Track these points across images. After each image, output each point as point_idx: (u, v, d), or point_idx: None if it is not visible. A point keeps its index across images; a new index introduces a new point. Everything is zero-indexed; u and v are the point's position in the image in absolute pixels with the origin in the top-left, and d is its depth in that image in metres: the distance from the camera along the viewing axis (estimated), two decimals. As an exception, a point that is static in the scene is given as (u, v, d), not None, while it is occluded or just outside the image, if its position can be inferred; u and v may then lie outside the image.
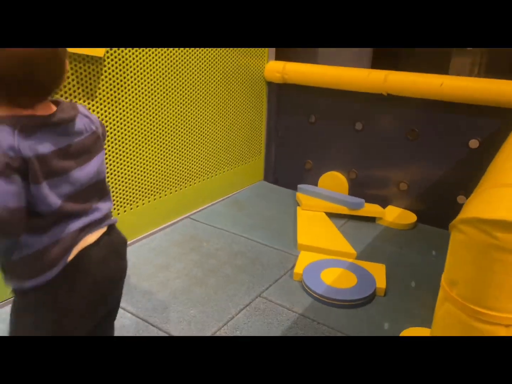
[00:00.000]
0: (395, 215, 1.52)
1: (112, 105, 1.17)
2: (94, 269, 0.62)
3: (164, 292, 1.11)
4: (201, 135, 1.51)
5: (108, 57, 1.12)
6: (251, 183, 1.83)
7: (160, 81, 1.29)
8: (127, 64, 1.18)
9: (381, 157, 1.56)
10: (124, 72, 1.17)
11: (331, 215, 1.53)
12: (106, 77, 1.13)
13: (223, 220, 1.50)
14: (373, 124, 1.55)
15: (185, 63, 1.36)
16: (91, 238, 0.62)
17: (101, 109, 1.15)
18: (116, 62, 1.15)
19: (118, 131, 1.21)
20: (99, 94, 1.13)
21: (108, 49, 1.11)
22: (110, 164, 1.21)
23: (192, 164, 1.50)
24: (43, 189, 0.55)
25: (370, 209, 1.53)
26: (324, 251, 1.29)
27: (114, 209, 1.26)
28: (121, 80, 1.17)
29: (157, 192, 1.39)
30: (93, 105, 1.12)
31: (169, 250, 1.30)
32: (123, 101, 1.20)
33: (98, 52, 1.06)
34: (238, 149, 1.71)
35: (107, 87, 1.14)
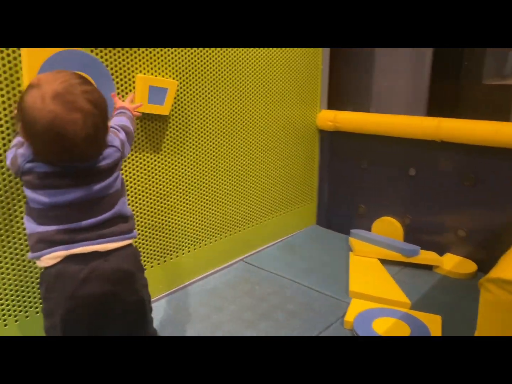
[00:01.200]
0: (453, 264, 1.47)
1: (176, 156, 1.28)
2: (68, 284, 0.72)
3: (217, 334, 1.15)
4: (255, 181, 1.58)
5: (172, 115, 1.25)
6: (304, 227, 1.86)
7: (217, 133, 1.40)
8: (189, 121, 1.29)
9: (437, 203, 1.54)
10: (186, 128, 1.29)
11: (385, 262, 1.51)
12: (170, 132, 1.25)
13: (276, 264, 1.54)
14: (427, 170, 1.55)
15: (241, 115, 1.46)
16: (74, 250, 0.73)
17: (165, 161, 1.26)
18: (179, 119, 1.27)
19: (180, 180, 1.31)
20: (164, 147, 1.25)
21: (173, 108, 1.23)
22: (173, 210, 1.31)
23: (247, 208, 1.58)
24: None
25: (426, 256, 1.50)
26: (377, 299, 1.27)
27: (175, 251, 1.34)
28: (183, 135, 1.29)
29: (213, 236, 1.47)
30: (158, 157, 1.24)
31: (223, 293, 1.36)
32: (185, 152, 1.31)
33: (165, 111, 1.18)
34: (291, 193, 1.76)
35: (171, 141, 1.26)
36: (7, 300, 0.98)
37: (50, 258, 0.72)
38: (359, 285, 1.35)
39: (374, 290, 1.32)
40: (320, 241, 1.76)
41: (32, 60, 0.88)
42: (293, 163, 1.74)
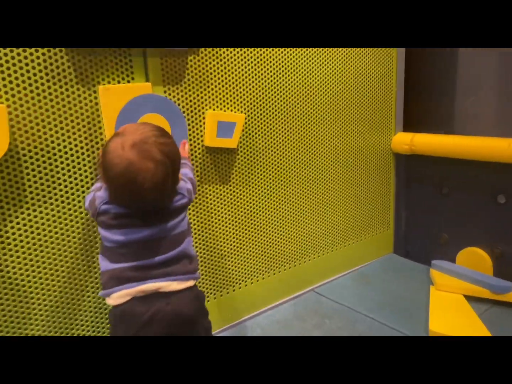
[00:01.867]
0: (554, 304, 1.29)
1: (243, 187, 1.30)
2: (131, 325, 0.76)
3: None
4: (328, 208, 1.55)
5: (240, 147, 1.27)
6: (380, 256, 1.77)
7: (287, 161, 1.40)
8: (257, 152, 1.31)
9: (533, 233, 1.37)
10: (254, 158, 1.31)
11: (470, 299, 1.37)
12: (239, 163, 1.28)
13: (348, 296, 1.47)
14: (520, 196, 1.39)
15: (311, 141, 1.45)
16: (142, 287, 0.76)
17: (234, 191, 1.28)
18: (247, 151, 1.29)
19: (249, 209, 1.33)
20: (233, 179, 1.27)
21: (240, 140, 1.26)
22: (245, 239, 1.33)
23: (319, 236, 1.54)
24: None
25: (520, 294, 1.33)
26: (460, 341, 1.15)
27: (243, 281, 1.35)
28: (252, 166, 1.31)
29: (283, 264, 1.46)
30: (227, 188, 1.27)
31: (292, 324, 1.33)
32: (254, 182, 1.32)
33: (233, 144, 1.21)
34: (365, 220, 1.69)
35: (239, 172, 1.29)
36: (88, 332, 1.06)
37: (119, 296, 0.76)
38: (441, 324, 1.24)
39: (457, 331, 1.20)
40: (397, 271, 1.65)
41: (110, 104, 0.96)
42: (367, 189, 1.67)
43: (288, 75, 1.34)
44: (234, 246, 1.32)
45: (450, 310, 1.32)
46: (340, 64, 1.48)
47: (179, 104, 1.12)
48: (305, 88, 1.39)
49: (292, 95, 1.36)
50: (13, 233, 0.92)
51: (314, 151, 1.47)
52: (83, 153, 0.98)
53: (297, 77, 1.36)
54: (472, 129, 1.69)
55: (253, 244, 1.36)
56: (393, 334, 1.24)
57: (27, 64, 0.88)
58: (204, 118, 1.17)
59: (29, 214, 0.93)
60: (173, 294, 0.78)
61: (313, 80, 1.41)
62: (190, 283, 0.81)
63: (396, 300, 1.43)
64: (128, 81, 1.02)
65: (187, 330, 0.79)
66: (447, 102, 1.79)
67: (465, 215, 1.55)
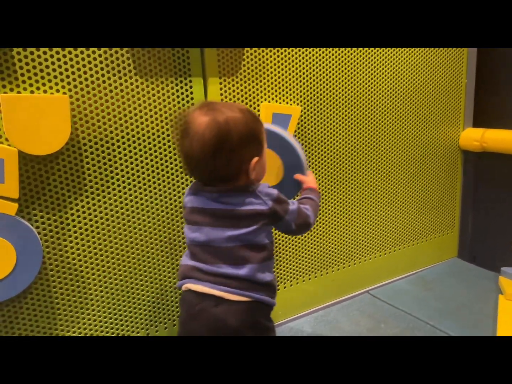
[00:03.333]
0: None
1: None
2: (183, 314, 0.76)
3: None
4: (388, 206, 1.47)
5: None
6: (442, 260, 1.65)
7: (344, 156, 1.34)
8: (314, 143, 1.27)
9: None
10: (310, 153, 1.27)
11: (546, 311, 1.24)
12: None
13: (405, 300, 1.39)
14: None
15: (372, 136, 1.38)
16: (198, 288, 0.74)
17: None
18: (304, 144, 1.25)
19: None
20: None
21: (296, 133, 1.22)
22: (296, 237, 1.29)
23: (377, 236, 1.47)
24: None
25: None
26: (534, 359, 1.04)
27: (295, 278, 1.32)
28: (308, 159, 1.27)
29: (337, 263, 1.40)
30: (281, 183, 1.24)
31: (344, 327, 1.27)
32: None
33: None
34: (428, 221, 1.59)
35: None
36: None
37: (183, 289, 0.78)
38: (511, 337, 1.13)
39: (531, 346, 1.08)
40: (461, 277, 1.54)
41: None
42: (431, 188, 1.57)
43: (350, 69, 1.28)
44: (288, 242, 1.29)
45: (522, 323, 1.20)
46: (406, 55, 1.39)
47: (234, 96, 1.10)
48: (368, 79, 1.33)
49: (352, 88, 1.30)
50: (73, 220, 0.95)
51: (374, 146, 1.39)
52: (139, 144, 1.00)
53: (358, 67, 1.30)
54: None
55: (307, 241, 1.32)
56: (455, 345, 1.15)
57: (88, 58, 0.91)
58: (259, 110, 1.15)
59: (88, 202, 0.96)
60: (225, 300, 0.72)
61: (375, 72, 1.34)
62: (247, 298, 0.73)
63: (459, 308, 1.33)
64: (185, 72, 1.02)
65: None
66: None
67: (543, 220, 1.40)
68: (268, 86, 1.15)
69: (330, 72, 1.25)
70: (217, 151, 0.71)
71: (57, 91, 0.89)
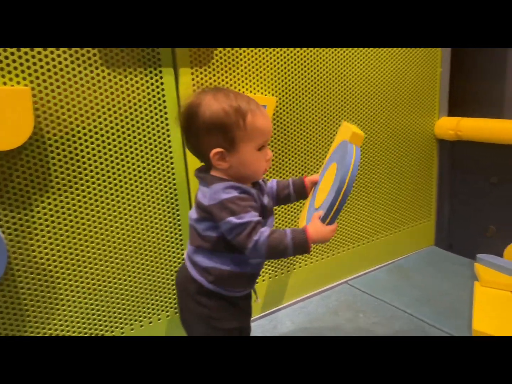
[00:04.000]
0: None
1: (274, 174, 1.25)
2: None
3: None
4: (364, 196, 1.47)
5: (273, 130, 1.22)
6: (419, 248, 1.67)
7: (320, 147, 1.33)
8: (290, 135, 1.25)
9: None
10: (286, 142, 1.25)
11: (520, 296, 1.27)
12: (270, 148, 1.22)
13: (384, 290, 1.40)
14: None
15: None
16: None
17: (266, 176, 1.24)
18: (279, 135, 1.23)
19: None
20: (263, 164, 1.22)
21: (273, 123, 1.20)
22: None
23: (354, 226, 1.47)
24: None
25: None
26: (508, 343, 1.06)
27: (273, 271, 1.31)
28: (283, 151, 1.25)
29: (315, 255, 1.40)
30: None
31: (324, 318, 1.27)
32: (285, 169, 1.27)
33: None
34: (405, 210, 1.60)
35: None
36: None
37: None
38: (485, 323, 1.15)
39: (504, 330, 1.10)
40: (438, 265, 1.55)
41: None
42: (407, 177, 1.57)
43: (326, 58, 1.26)
44: (264, 235, 1.27)
45: (496, 308, 1.22)
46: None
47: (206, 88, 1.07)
48: (342, 66, 1.31)
49: (328, 73, 1.29)
50: (40, 218, 0.91)
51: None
52: (108, 138, 0.96)
53: (333, 53, 1.28)
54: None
55: (284, 233, 1.31)
56: (433, 332, 1.16)
57: (51, 48, 0.86)
58: (233, 101, 1.12)
59: (55, 199, 0.92)
60: (185, 267, 0.82)
61: (350, 57, 1.32)
62: (191, 273, 0.80)
63: (437, 296, 1.34)
64: (155, 62, 0.99)
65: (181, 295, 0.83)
66: (497, 84, 1.65)
67: (516, 206, 1.42)
68: (242, 76, 1.13)
69: (306, 61, 1.23)
70: (186, 130, 0.77)
71: (18, 83, 0.84)
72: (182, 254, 1.11)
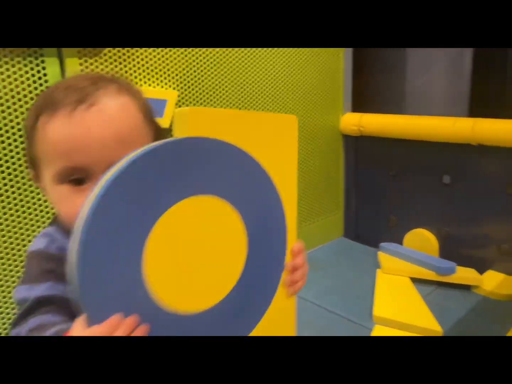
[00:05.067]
0: (495, 283, 1.29)
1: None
2: None
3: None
4: (272, 194, 1.48)
5: (175, 127, 1.17)
6: (330, 240, 1.73)
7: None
8: (194, 131, 1.22)
9: (477, 213, 1.36)
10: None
11: (416, 281, 1.36)
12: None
13: (294, 282, 1.42)
14: (464, 177, 1.37)
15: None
16: None
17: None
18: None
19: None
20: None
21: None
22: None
23: (264, 223, 1.48)
24: None
25: (463, 274, 1.32)
26: (403, 326, 1.13)
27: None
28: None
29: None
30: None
31: (235, 315, 1.26)
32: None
33: (164, 123, 1.11)
34: (314, 203, 1.64)
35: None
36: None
37: None
38: (384, 308, 1.21)
39: (401, 315, 1.17)
40: (346, 255, 1.62)
41: None
42: (315, 171, 1.62)
43: (232, 54, 1.25)
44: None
45: (395, 293, 1.30)
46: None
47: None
48: (246, 63, 1.31)
49: (232, 71, 1.27)
50: None
51: (258, 132, 1.39)
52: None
53: (237, 52, 1.27)
54: (422, 109, 1.67)
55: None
56: (338, 321, 1.20)
57: None
58: (130, 95, 1.07)
59: None
60: None
61: (253, 55, 1.32)
62: None
63: (344, 285, 1.40)
64: (35, 51, 0.90)
65: None
66: (397, 80, 1.76)
67: (413, 197, 1.53)
68: (139, 68, 1.07)
69: (210, 56, 1.20)
70: None
71: None
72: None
